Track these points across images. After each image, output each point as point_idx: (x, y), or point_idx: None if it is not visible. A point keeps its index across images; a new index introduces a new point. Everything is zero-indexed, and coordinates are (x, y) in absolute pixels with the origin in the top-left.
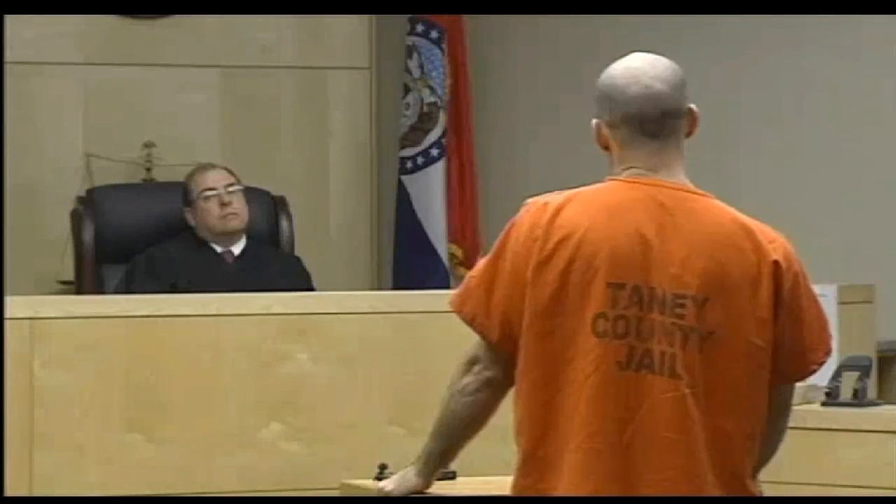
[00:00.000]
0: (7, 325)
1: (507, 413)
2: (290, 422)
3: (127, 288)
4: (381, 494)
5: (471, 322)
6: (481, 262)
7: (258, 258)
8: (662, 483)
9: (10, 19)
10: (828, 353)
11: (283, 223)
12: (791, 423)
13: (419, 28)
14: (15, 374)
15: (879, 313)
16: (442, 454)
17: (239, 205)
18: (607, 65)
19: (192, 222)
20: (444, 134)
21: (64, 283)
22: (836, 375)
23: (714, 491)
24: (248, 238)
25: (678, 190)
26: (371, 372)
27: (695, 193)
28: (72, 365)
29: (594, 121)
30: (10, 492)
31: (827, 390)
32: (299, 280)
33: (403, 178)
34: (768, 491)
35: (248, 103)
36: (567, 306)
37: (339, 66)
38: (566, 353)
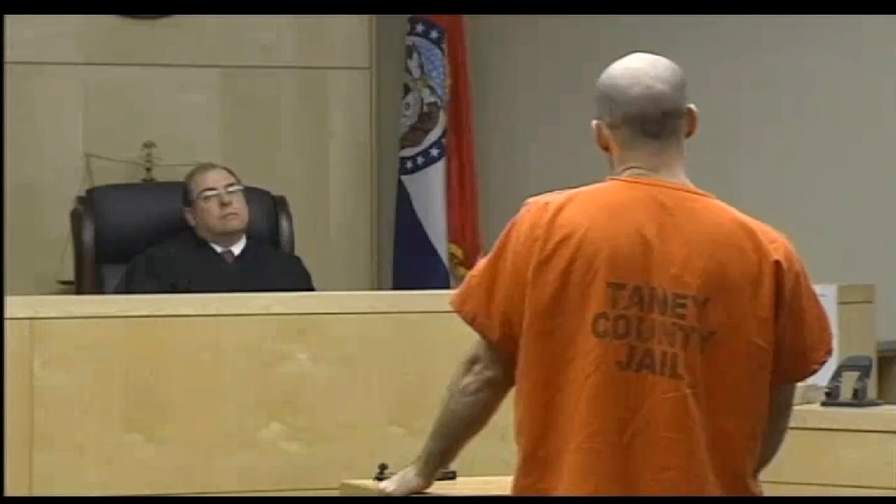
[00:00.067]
0: (7, 325)
1: (507, 413)
2: (290, 422)
3: (127, 288)
4: (381, 495)
5: (471, 322)
6: (482, 262)
7: (258, 258)
8: (663, 483)
9: (10, 19)
10: (829, 352)
11: (283, 223)
12: (791, 423)
13: (419, 28)
14: (15, 374)
15: (879, 313)
16: (442, 454)
17: (239, 205)
18: (607, 65)
19: (192, 222)
20: (444, 134)
21: (64, 283)
22: (836, 375)
23: (715, 491)
24: (248, 238)
25: (679, 190)
26: (371, 372)
27: (695, 193)
28: (72, 365)
29: (594, 122)
30: (10, 492)
31: (827, 390)
32: (299, 280)
33: (403, 178)
34: (768, 491)
35: (248, 103)
36: (567, 306)
37: (339, 66)
38: (566, 353)
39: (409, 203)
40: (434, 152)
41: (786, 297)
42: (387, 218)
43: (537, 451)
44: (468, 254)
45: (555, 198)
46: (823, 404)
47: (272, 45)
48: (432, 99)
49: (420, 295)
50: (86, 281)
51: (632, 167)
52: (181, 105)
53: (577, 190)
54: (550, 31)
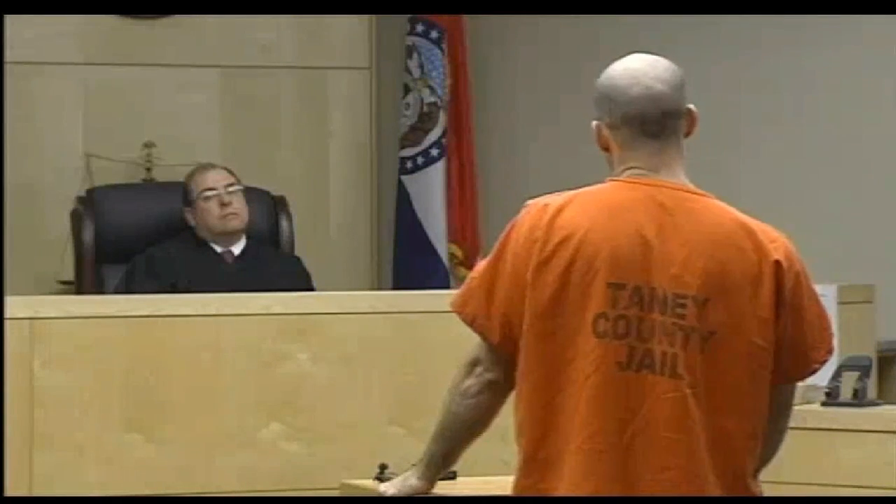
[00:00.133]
0: (7, 325)
1: (507, 413)
2: (290, 422)
3: (127, 288)
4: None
5: (471, 323)
6: (482, 264)
7: (258, 258)
8: (663, 483)
9: (10, 19)
10: (830, 351)
11: (283, 223)
12: (791, 423)
13: (419, 28)
14: (15, 374)
15: (879, 313)
16: (444, 457)
17: (239, 205)
18: (607, 65)
19: (192, 222)
20: (444, 134)
21: (64, 283)
22: (836, 375)
23: (715, 491)
24: (248, 238)
25: (678, 190)
26: (371, 372)
27: (695, 193)
28: (71, 365)
29: (594, 122)
30: (10, 492)
31: (827, 390)
32: (299, 280)
33: (403, 178)
34: (768, 491)
35: (248, 103)
36: (567, 307)
37: (339, 66)
38: (566, 354)
39: (409, 203)
40: (434, 152)
41: (786, 296)
42: (387, 218)
43: (538, 451)
44: (468, 254)
45: (554, 199)
46: (823, 404)
47: (272, 45)
48: (432, 99)
49: (420, 295)
50: (86, 281)
51: (632, 167)
52: (181, 105)
53: (576, 191)
54: (550, 31)
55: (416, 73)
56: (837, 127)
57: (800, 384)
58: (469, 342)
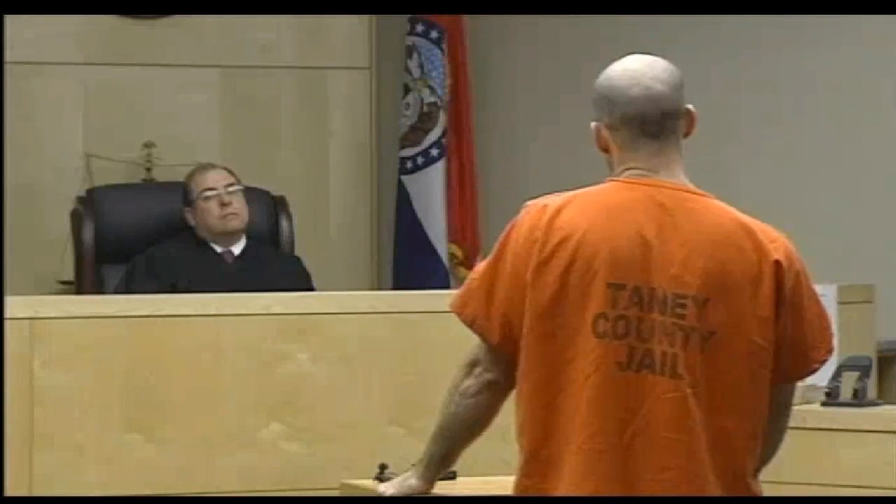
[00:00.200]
0: (7, 325)
1: (507, 412)
2: (290, 422)
3: (127, 288)
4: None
5: (471, 324)
6: (482, 264)
7: (258, 258)
8: (663, 483)
9: (10, 19)
10: (829, 351)
11: (283, 223)
12: (791, 423)
13: (419, 28)
14: (15, 374)
15: (879, 313)
16: (443, 457)
17: (239, 205)
18: (607, 65)
19: (192, 222)
20: (444, 134)
21: (64, 283)
22: (836, 375)
23: (715, 491)
24: (248, 238)
25: (678, 190)
26: (371, 372)
27: (695, 193)
28: (71, 365)
29: (593, 123)
30: (10, 492)
31: (827, 390)
32: (299, 280)
33: (403, 178)
34: (768, 491)
35: (248, 103)
36: (567, 307)
37: (339, 66)
38: (566, 354)
39: (409, 203)
40: (434, 152)
41: (786, 295)
42: (387, 218)
43: (539, 451)
44: (468, 254)
45: (554, 200)
46: (823, 404)
47: (272, 45)
48: (432, 99)
49: (420, 295)
50: (86, 281)
51: (631, 168)
52: (181, 105)
53: (576, 192)
54: (550, 31)
55: (416, 73)
56: (837, 127)
57: (800, 384)
58: (469, 342)
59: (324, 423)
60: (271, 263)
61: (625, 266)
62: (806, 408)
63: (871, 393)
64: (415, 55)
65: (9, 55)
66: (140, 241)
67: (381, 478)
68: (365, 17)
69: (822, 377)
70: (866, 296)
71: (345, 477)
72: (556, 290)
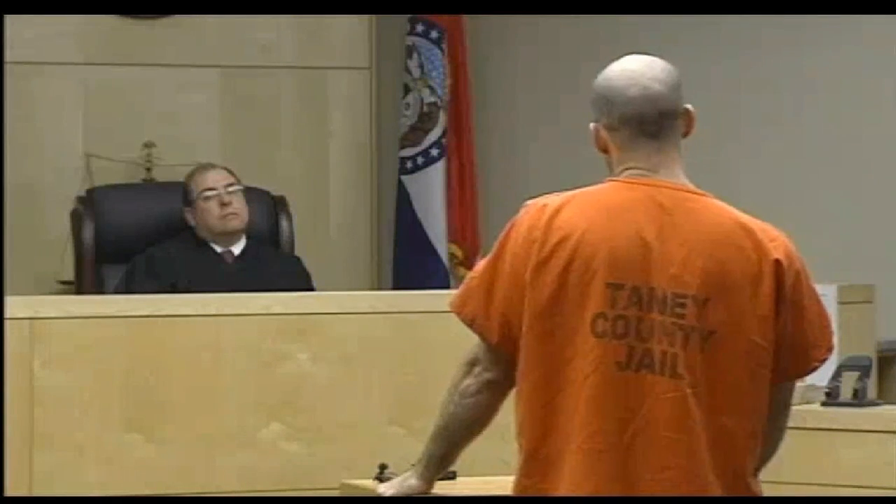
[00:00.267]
0: (7, 325)
1: (507, 412)
2: (290, 422)
3: (127, 288)
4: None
5: (471, 324)
6: (481, 264)
7: (258, 258)
8: (663, 483)
9: (10, 19)
10: (830, 350)
11: (283, 223)
12: (791, 423)
13: (419, 28)
14: (15, 374)
15: (879, 313)
16: (443, 457)
17: (239, 205)
18: (607, 65)
19: (192, 222)
20: (444, 134)
21: (64, 283)
22: (836, 375)
23: (715, 491)
24: (248, 238)
25: (677, 190)
26: (371, 372)
27: (694, 193)
28: (71, 365)
29: (592, 124)
30: (10, 492)
31: (827, 390)
32: (299, 280)
33: (403, 178)
34: (768, 491)
35: (248, 103)
36: (566, 307)
37: (339, 66)
38: (565, 354)
39: (409, 203)
40: (434, 152)
41: (786, 294)
42: (387, 218)
43: (538, 451)
44: (468, 254)
45: (553, 199)
46: (823, 404)
47: (272, 45)
48: (432, 99)
49: (420, 295)
50: (86, 281)
51: (630, 168)
52: (181, 105)
53: (575, 191)
54: (550, 31)
55: (416, 73)
56: (837, 127)
57: (800, 384)
58: (469, 342)
59: (324, 423)
60: (271, 263)
61: (624, 266)
62: (806, 408)
63: (871, 393)
64: (415, 55)
65: (9, 55)
66: (140, 241)
67: (381, 478)
68: (365, 17)
69: (822, 377)
70: (866, 296)
71: (345, 477)
72: (555, 289)
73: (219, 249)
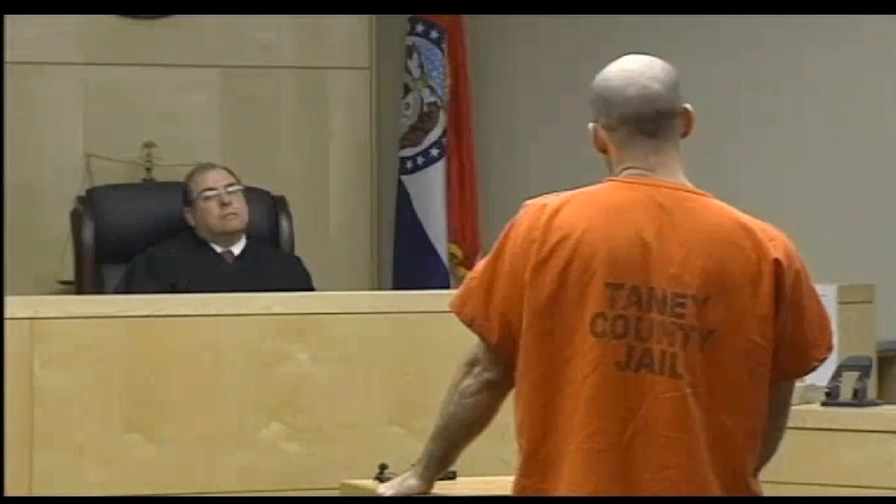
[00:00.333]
0: (7, 325)
1: (507, 412)
2: (290, 422)
3: (127, 288)
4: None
5: (470, 324)
6: (481, 264)
7: (258, 258)
8: (663, 483)
9: (10, 19)
10: (829, 349)
11: (283, 223)
12: (791, 423)
13: (419, 28)
14: (15, 374)
15: (879, 313)
16: (442, 457)
17: (239, 205)
18: (607, 65)
19: (192, 222)
20: (444, 134)
21: (64, 283)
22: (836, 375)
23: (715, 490)
24: (248, 238)
25: (677, 190)
26: (371, 372)
27: (694, 193)
28: (71, 365)
29: (591, 124)
30: (10, 492)
31: (827, 390)
32: (299, 280)
33: (403, 178)
34: (768, 491)
35: (248, 103)
36: (565, 306)
37: (339, 66)
38: (565, 353)
39: (409, 203)
40: (434, 152)
41: (786, 293)
42: (387, 218)
43: (538, 451)
44: (468, 254)
45: (552, 199)
46: (823, 404)
47: (272, 45)
48: (432, 99)
49: (420, 295)
50: (86, 281)
51: (630, 167)
52: (181, 105)
53: (574, 191)
54: (550, 31)
55: (416, 73)
56: (837, 127)
57: (799, 384)
58: (468, 342)
59: (324, 423)
60: (271, 263)
61: (623, 266)
62: (806, 408)
63: (871, 393)
64: (415, 55)
65: (9, 55)
66: (140, 241)
67: (381, 478)
68: (365, 17)
69: (821, 377)
70: (866, 296)
71: (345, 477)
72: (554, 289)
73: (219, 249)
